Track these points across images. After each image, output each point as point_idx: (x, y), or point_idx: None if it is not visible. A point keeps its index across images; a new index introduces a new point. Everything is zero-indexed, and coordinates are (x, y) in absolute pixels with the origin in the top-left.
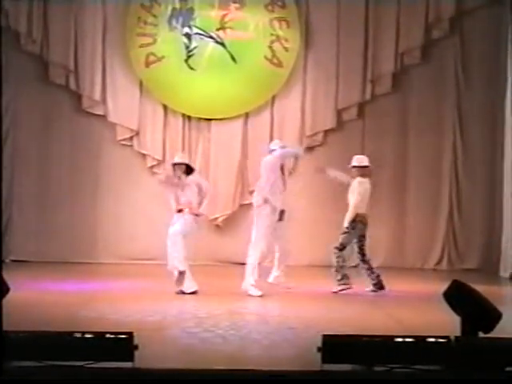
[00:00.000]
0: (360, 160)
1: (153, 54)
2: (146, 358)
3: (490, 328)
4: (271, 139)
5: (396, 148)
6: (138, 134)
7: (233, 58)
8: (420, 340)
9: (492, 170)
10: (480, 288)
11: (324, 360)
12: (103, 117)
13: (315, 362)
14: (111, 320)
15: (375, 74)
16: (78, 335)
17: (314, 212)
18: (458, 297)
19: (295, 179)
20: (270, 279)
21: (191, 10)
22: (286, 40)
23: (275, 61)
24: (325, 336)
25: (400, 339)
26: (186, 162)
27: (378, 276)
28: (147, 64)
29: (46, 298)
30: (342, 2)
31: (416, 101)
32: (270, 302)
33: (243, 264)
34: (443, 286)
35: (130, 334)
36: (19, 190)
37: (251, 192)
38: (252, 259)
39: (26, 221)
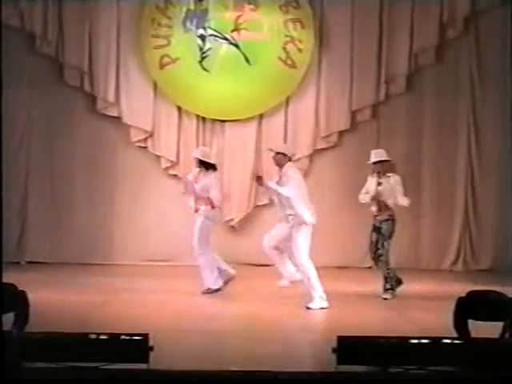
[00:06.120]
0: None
1: (167, 55)
2: (162, 359)
3: None
4: (285, 140)
5: (410, 149)
6: (152, 135)
7: (247, 60)
8: (435, 341)
9: (507, 171)
10: (495, 289)
11: (339, 361)
12: (117, 118)
13: (330, 363)
14: (126, 321)
15: (389, 75)
16: (93, 336)
17: (336, 212)
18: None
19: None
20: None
21: (206, 12)
22: (300, 41)
23: (289, 62)
24: (340, 337)
25: (415, 340)
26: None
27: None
28: (161, 65)
29: (61, 300)
30: (356, 2)
31: (430, 101)
32: (285, 304)
33: (258, 265)
34: (458, 287)
35: (146, 336)
36: (35, 192)
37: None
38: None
39: (42, 222)
